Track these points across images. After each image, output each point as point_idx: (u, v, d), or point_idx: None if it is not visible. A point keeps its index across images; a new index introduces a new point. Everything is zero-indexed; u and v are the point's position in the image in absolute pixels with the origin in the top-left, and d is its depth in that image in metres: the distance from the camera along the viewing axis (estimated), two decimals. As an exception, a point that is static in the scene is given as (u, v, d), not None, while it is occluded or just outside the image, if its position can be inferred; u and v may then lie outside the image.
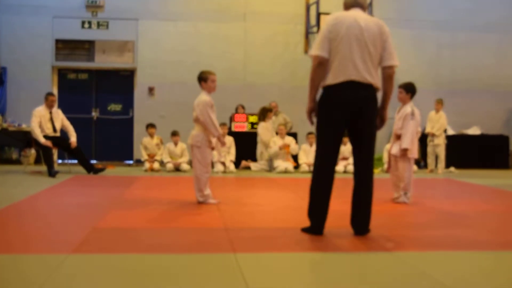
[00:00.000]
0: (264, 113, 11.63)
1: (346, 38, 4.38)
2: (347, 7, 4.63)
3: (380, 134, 13.51)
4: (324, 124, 4.50)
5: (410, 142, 6.66)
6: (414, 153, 6.77)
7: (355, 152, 4.61)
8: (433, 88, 13.67)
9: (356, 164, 4.59)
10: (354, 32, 4.39)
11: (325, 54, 4.41)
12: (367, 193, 4.55)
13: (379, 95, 4.61)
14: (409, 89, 6.79)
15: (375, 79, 4.47)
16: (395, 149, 6.79)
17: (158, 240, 4.36)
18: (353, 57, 4.37)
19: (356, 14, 4.51)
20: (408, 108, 6.74)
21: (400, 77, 13.58)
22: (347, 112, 4.42)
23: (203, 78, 6.38)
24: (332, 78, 4.41)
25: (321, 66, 4.44)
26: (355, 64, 4.37)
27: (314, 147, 11.68)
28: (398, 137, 6.76)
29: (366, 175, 4.54)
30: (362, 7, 4.61)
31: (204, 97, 6.32)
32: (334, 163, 4.56)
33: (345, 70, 4.38)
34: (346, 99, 4.40)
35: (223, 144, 6.61)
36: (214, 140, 6.40)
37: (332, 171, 4.51)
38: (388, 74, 4.53)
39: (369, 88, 4.45)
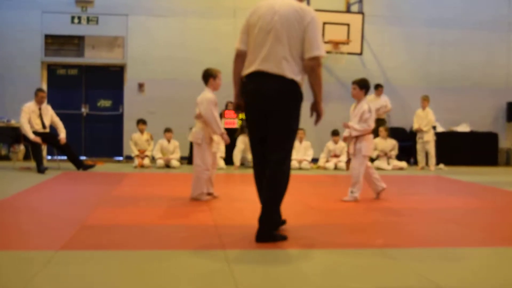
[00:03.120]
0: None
1: (258, 28, 4.16)
2: None
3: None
4: (245, 115, 4.37)
5: (357, 131, 6.59)
6: (369, 151, 6.70)
7: (266, 147, 4.26)
8: (423, 85, 13.72)
9: (266, 159, 4.23)
10: (267, 20, 4.13)
11: (242, 46, 4.27)
12: (269, 192, 4.15)
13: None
14: (363, 85, 6.66)
15: (289, 70, 4.08)
16: (352, 148, 6.73)
17: (147, 236, 4.34)
18: (264, 47, 4.11)
19: (277, 1, 4.21)
20: (364, 105, 6.63)
21: (391, 74, 13.75)
22: (258, 103, 4.18)
23: (212, 75, 6.32)
24: (245, 69, 4.25)
25: (238, 58, 4.32)
26: (266, 54, 4.10)
27: (304, 143, 11.84)
28: (356, 136, 6.68)
29: (270, 172, 4.14)
30: None
31: (208, 94, 6.29)
32: (263, 165, 4.23)
33: (255, 61, 4.16)
34: (255, 90, 4.17)
35: (226, 141, 6.53)
36: (216, 138, 6.39)
37: (259, 164, 4.29)
38: (309, 66, 4.13)
39: (281, 80, 4.09)
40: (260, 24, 4.15)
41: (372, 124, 6.64)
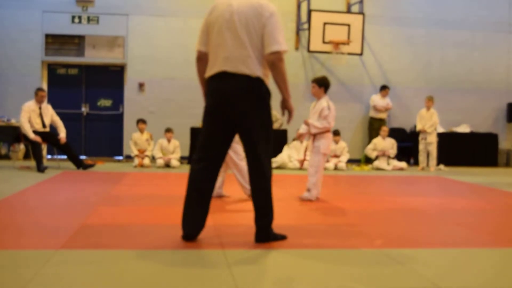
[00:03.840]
0: None
1: (217, 27, 4.06)
2: None
3: (361, 137, 13.53)
4: (203, 116, 4.19)
5: (314, 128, 6.59)
6: (327, 149, 6.71)
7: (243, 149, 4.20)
8: (423, 86, 13.74)
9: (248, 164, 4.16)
10: (225, 17, 4.04)
11: (202, 48, 4.18)
12: (256, 195, 4.11)
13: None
14: (322, 83, 6.66)
15: (253, 68, 4.01)
16: (310, 145, 6.74)
17: (147, 236, 4.34)
18: (225, 46, 4.02)
19: None
20: (323, 102, 6.63)
21: (391, 75, 13.75)
22: (222, 105, 4.05)
23: None
24: (208, 70, 4.14)
25: (200, 60, 4.23)
26: (227, 54, 4.01)
27: (304, 143, 11.82)
28: (314, 134, 6.69)
29: (256, 178, 4.09)
30: None
31: None
32: (211, 161, 4.13)
33: (216, 61, 4.06)
34: (219, 91, 4.05)
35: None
36: None
37: (205, 174, 4.11)
38: (270, 61, 4.02)
39: (245, 79, 4.00)
40: (219, 23, 4.07)
41: (332, 122, 6.62)
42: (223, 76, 4.04)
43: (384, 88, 13.19)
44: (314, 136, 6.70)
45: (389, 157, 12.04)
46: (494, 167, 13.33)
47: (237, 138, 4.98)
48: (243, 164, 6.27)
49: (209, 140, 4.13)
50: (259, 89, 4.06)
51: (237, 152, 6.41)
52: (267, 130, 4.11)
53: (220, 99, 4.06)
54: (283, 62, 4.06)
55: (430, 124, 12.01)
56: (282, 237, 4.26)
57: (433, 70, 14.03)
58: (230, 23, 4.02)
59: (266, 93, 4.11)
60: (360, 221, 5.36)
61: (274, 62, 4.02)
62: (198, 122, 11.71)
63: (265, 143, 4.09)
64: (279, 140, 11.87)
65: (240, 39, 4.00)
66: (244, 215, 5.53)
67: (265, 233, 4.15)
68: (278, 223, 5.10)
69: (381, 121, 13.09)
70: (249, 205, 6.16)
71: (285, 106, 4.24)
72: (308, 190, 6.57)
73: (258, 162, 4.08)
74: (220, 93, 4.06)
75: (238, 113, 4.03)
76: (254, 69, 4.01)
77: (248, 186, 6.18)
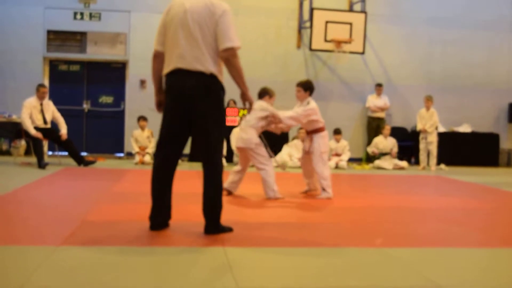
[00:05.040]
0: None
1: (173, 26, 4.20)
2: None
3: (362, 136, 13.48)
4: (163, 114, 4.35)
5: (290, 119, 6.61)
6: (325, 147, 6.75)
7: (178, 146, 4.38)
8: (424, 85, 13.73)
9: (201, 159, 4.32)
10: (179, 16, 4.17)
11: (158, 47, 4.32)
12: (212, 189, 4.25)
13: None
14: (307, 87, 6.74)
15: (207, 65, 4.13)
16: (307, 146, 6.80)
17: (147, 233, 4.34)
18: (179, 44, 4.15)
19: None
20: (311, 103, 6.68)
21: (392, 74, 13.74)
22: (179, 102, 4.21)
23: (268, 93, 6.79)
24: (165, 67, 4.29)
25: (156, 59, 4.36)
26: (181, 52, 4.14)
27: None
28: (311, 134, 6.76)
29: (208, 172, 4.25)
30: None
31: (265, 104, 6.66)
32: (170, 157, 4.33)
33: (172, 59, 4.20)
34: (175, 89, 4.22)
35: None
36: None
37: (166, 164, 4.32)
38: (224, 58, 4.17)
39: (200, 76, 4.14)
40: (174, 22, 4.20)
41: (309, 118, 6.65)
42: (178, 73, 4.19)
43: (377, 86, 13.23)
44: (311, 138, 6.75)
45: (390, 155, 12.03)
46: (495, 167, 13.33)
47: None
48: (268, 168, 6.47)
49: (168, 135, 4.31)
50: (213, 86, 4.22)
51: (261, 154, 6.50)
52: (220, 126, 4.32)
53: (177, 97, 4.22)
54: (237, 58, 4.20)
55: (430, 123, 12.01)
56: (229, 229, 4.40)
57: (434, 69, 14.01)
58: (184, 22, 4.16)
59: (221, 90, 4.29)
60: (360, 219, 5.37)
61: (228, 58, 4.17)
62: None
63: (218, 138, 4.31)
64: (280, 138, 11.82)
65: (193, 37, 4.14)
66: (244, 213, 5.54)
67: (215, 225, 4.30)
68: (279, 221, 5.11)
69: (380, 120, 13.09)
70: (251, 204, 6.18)
71: (245, 98, 4.39)
72: (323, 189, 6.62)
73: (211, 156, 4.25)
74: (176, 90, 4.22)
75: (195, 110, 4.19)
76: (208, 66, 4.15)
77: (270, 192, 6.46)
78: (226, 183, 6.46)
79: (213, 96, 4.22)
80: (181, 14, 4.17)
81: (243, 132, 6.60)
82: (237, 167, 6.75)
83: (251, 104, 4.43)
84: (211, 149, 4.25)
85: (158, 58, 4.35)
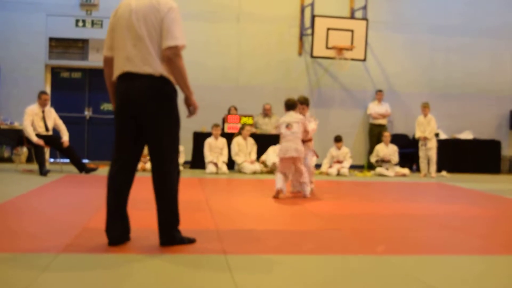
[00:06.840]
0: (241, 128, 11.54)
1: (119, 28, 4.01)
2: None
3: (363, 143, 13.44)
4: (116, 118, 4.12)
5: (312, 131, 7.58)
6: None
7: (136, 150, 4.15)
8: (426, 92, 13.73)
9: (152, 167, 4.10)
10: (125, 17, 3.98)
11: (107, 53, 4.12)
12: (159, 201, 4.09)
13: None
14: (308, 103, 7.70)
15: (155, 67, 3.92)
16: (295, 153, 7.13)
17: (147, 240, 4.33)
18: (126, 47, 3.95)
19: None
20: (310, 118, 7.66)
21: (394, 81, 13.76)
22: (129, 106, 3.98)
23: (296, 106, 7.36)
24: (114, 72, 4.08)
25: (106, 64, 4.15)
26: (128, 54, 3.94)
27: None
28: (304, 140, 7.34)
29: (160, 182, 4.06)
30: None
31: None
32: (125, 162, 4.12)
33: (119, 62, 4.00)
34: (124, 93, 4.00)
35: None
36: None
37: (121, 173, 4.13)
38: (166, 57, 3.91)
39: (148, 79, 3.92)
40: (120, 24, 4.02)
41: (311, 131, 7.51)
42: (126, 77, 3.98)
43: (378, 92, 13.29)
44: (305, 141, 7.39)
45: (389, 161, 12.00)
46: (497, 174, 13.30)
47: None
48: (306, 173, 7.27)
49: (121, 142, 4.09)
50: (164, 89, 3.99)
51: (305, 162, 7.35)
52: (172, 132, 4.05)
53: (127, 101, 4.00)
54: (180, 57, 3.96)
55: (429, 130, 11.99)
56: (190, 241, 4.20)
57: (436, 76, 14.01)
58: (129, 23, 3.96)
59: (173, 92, 4.05)
60: (362, 227, 5.36)
61: (171, 57, 3.91)
62: (201, 127, 11.71)
63: (171, 146, 4.05)
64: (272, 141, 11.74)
65: (139, 38, 3.93)
66: (246, 220, 5.53)
67: (170, 236, 4.10)
68: (279, 228, 5.11)
69: (381, 127, 13.09)
70: (252, 211, 6.17)
71: (189, 103, 4.16)
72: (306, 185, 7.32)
73: (164, 163, 4.03)
74: (125, 94, 4.00)
75: (145, 115, 3.96)
76: (157, 67, 3.93)
77: (307, 192, 7.25)
78: (279, 185, 7.04)
79: (164, 100, 3.98)
80: (126, 15, 3.98)
81: (294, 143, 7.09)
82: (281, 175, 7.13)
83: (195, 108, 4.18)
84: (162, 158, 4.02)
85: (108, 63, 4.14)
